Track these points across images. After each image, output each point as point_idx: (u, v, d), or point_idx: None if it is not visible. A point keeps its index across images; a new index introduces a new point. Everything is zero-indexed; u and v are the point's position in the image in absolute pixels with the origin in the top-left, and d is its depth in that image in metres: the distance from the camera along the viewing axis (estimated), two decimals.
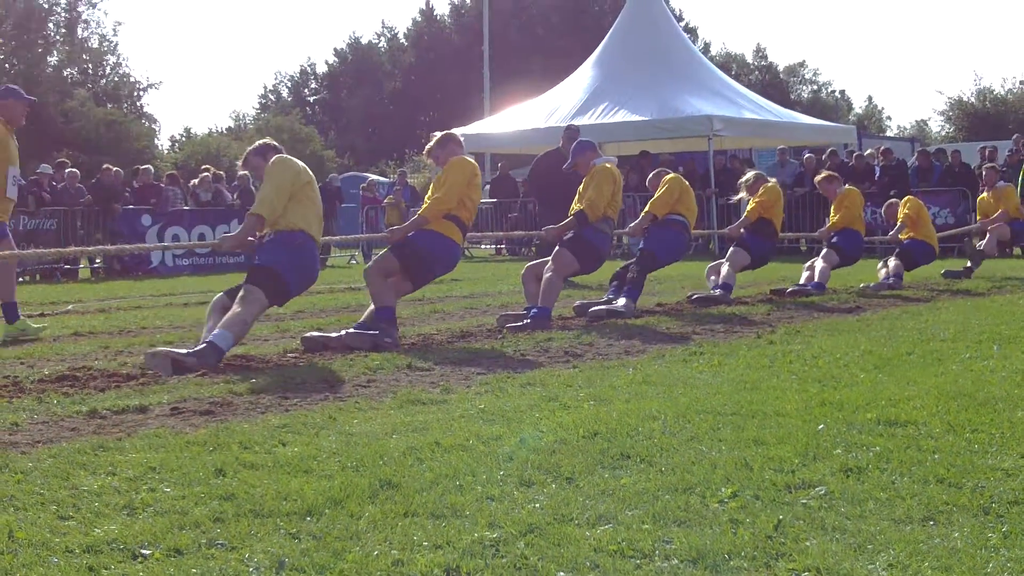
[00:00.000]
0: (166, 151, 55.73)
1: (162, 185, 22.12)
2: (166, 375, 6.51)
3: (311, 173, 7.66)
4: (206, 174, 22.97)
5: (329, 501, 3.67)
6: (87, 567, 3.08)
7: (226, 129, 65.59)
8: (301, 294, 7.93)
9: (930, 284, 13.30)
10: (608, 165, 9.75)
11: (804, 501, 3.63)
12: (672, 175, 10.79)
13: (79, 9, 51.24)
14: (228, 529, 3.41)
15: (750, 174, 12.34)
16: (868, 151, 23.57)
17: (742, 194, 12.18)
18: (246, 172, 24.37)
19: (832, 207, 12.79)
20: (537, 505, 3.62)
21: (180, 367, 6.60)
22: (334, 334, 7.86)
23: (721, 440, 4.52)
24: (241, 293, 7.16)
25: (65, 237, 19.43)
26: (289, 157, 7.60)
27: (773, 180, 12.21)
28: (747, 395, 5.55)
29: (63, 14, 51.00)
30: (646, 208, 10.66)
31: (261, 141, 7.88)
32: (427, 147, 8.64)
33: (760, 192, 11.71)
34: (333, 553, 3.18)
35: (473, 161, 8.49)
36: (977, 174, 20.45)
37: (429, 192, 8.48)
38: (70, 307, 12.09)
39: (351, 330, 7.89)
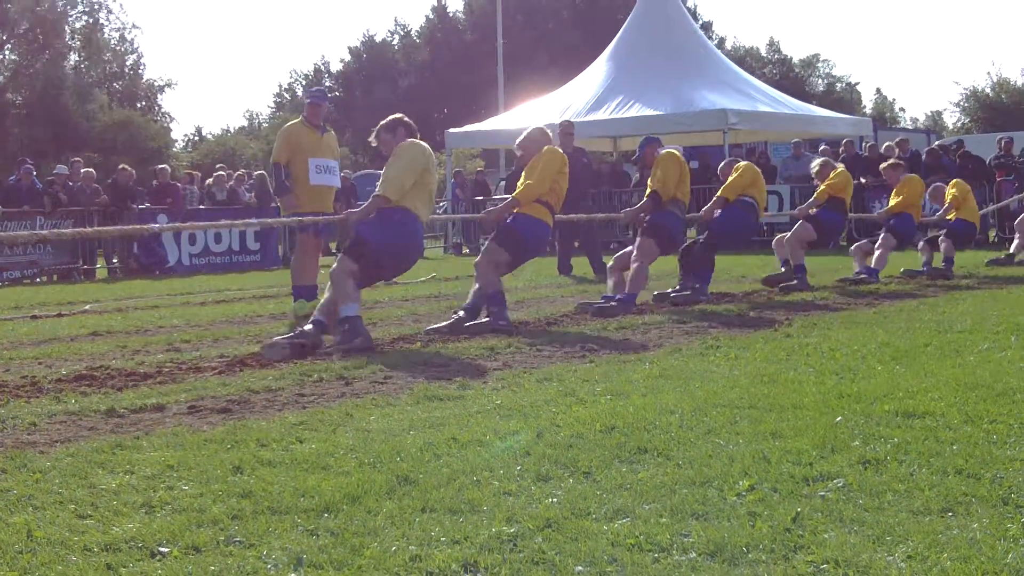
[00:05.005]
0: (180, 151, 55.84)
1: (178, 184, 22.18)
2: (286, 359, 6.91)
3: (433, 158, 8.06)
4: (221, 173, 23.04)
5: (347, 497, 3.68)
6: (105, 565, 3.09)
7: (240, 128, 65.70)
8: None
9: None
10: (673, 151, 10.40)
11: (822, 493, 3.62)
12: (745, 162, 11.24)
13: (98, 15, 51.50)
14: (246, 526, 3.42)
15: (818, 160, 12.96)
16: (885, 144, 23.47)
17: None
18: (263, 171, 24.68)
19: (893, 191, 13.19)
20: (554, 500, 3.62)
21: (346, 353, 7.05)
22: (445, 323, 8.46)
23: (738, 433, 4.51)
24: (334, 266, 7.63)
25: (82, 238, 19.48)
26: (417, 141, 7.99)
27: (841, 166, 12.73)
28: (764, 388, 5.53)
29: (82, 17, 51.23)
30: (719, 192, 10.99)
31: (392, 117, 8.24)
32: (518, 140, 9.34)
33: (831, 176, 12.10)
34: (351, 549, 3.19)
35: (563, 152, 9.13)
36: (992, 165, 20.50)
37: (521, 179, 9.08)
38: (88, 307, 12.14)
39: (461, 314, 8.50)
